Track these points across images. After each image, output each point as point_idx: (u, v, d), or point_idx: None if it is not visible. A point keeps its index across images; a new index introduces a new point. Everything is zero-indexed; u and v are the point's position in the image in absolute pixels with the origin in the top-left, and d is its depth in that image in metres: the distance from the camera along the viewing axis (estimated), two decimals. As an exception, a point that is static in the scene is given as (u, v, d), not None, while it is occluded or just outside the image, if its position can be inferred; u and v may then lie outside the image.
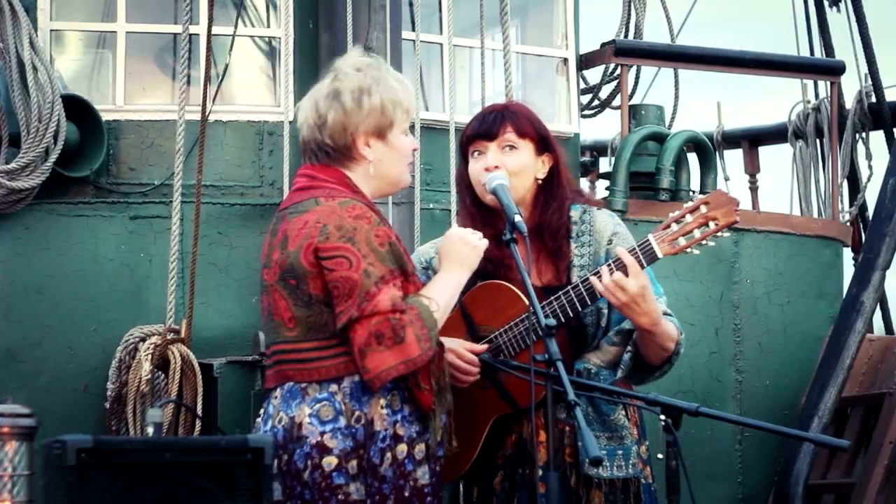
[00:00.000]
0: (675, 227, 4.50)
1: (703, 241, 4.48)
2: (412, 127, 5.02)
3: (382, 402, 4.37)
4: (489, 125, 4.75)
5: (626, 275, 4.47)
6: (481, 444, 4.72)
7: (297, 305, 4.37)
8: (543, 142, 4.78)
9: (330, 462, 4.31)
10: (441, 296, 4.39)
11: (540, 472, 4.58)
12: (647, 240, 4.51)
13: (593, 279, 4.52)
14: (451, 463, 4.64)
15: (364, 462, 4.32)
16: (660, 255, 4.50)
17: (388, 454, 4.36)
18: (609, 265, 4.52)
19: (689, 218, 4.48)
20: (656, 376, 4.76)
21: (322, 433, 4.32)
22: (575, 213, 4.77)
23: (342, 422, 4.33)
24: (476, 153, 4.76)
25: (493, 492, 4.75)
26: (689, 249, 4.49)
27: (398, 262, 4.37)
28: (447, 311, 4.43)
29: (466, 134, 4.80)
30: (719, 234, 4.48)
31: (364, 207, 4.39)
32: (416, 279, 4.46)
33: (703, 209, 4.47)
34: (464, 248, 4.47)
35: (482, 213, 4.74)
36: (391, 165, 4.51)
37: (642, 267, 4.49)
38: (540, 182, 4.76)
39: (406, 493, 4.36)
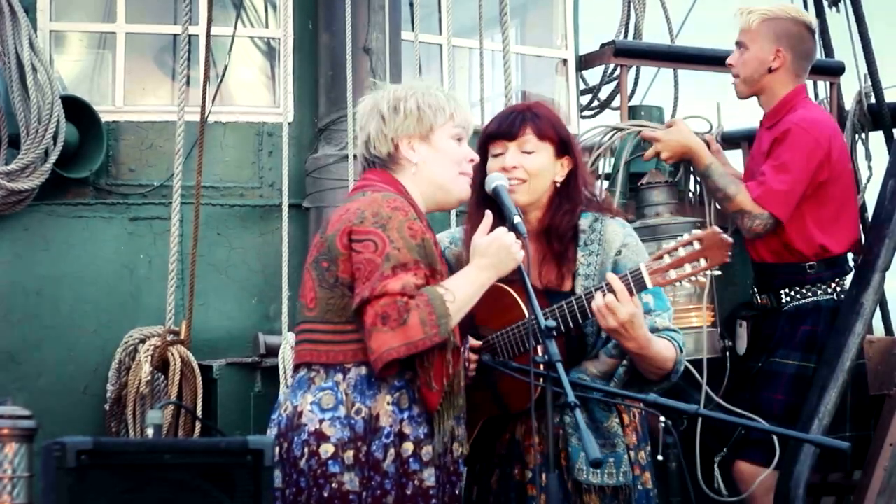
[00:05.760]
0: (667, 258, 4.52)
1: (693, 277, 4.51)
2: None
3: (389, 398, 4.39)
4: (509, 125, 4.75)
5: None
6: (470, 442, 4.72)
7: (321, 287, 4.43)
8: (564, 144, 4.77)
9: (327, 450, 4.35)
10: (461, 290, 4.38)
11: (529, 475, 4.60)
12: (639, 269, 4.53)
13: (594, 295, 4.52)
14: None
15: (362, 455, 4.34)
16: (649, 285, 4.53)
17: (392, 450, 4.37)
18: (601, 288, 4.53)
19: (681, 252, 4.51)
20: (654, 390, 4.75)
21: (321, 420, 4.36)
22: (585, 221, 4.76)
23: (342, 411, 4.36)
24: (495, 154, 4.75)
25: (489, 491, 4.76)
26: (678, 283, 4.52)
27: (427, 258, 4.39)
28: (465, 306, 4.40)
29: (487, 133, 4.79)
30: (709, 272, 4.51)
31: (404, 202, 4.43)
32: (445, 278, 4.46)
33: (696, 245, 4.50)
34: (506, 256, 4.45)
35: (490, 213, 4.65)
36: (437, 168, 4.55)
37: (631, 294, 4.49)
38: (558, 185, 4.76)
39: (409, 492, 4.37)
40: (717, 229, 4.54)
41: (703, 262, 4.50)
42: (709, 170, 6.31)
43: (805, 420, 6.16)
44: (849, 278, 6.33)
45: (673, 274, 4.51)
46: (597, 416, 4.69)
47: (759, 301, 6.37)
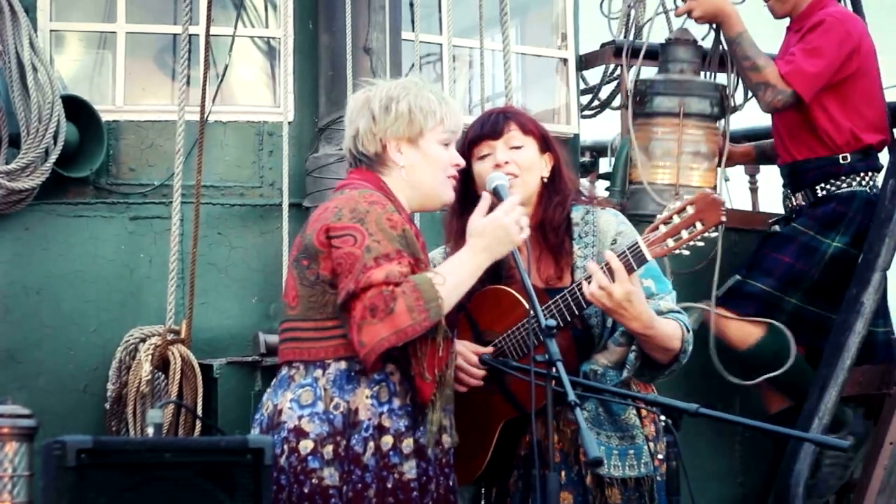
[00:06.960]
0: (662, 228, 4.53)
1: (691, 242, 4.53)
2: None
3: (368, 392, 4.39)
4: (493, 125, 4.76)
5: (613, 280, 4.48)
6: (493, 447, 4.73)
7: (302, 284, 4.43)
8: (544, 141, 4.80)
9: (306, 446, 4.36)
10: (453, 273, 4.34)
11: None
12: (636, 243, 4.54)
13: (583, 284, 4.54)
14: (466, 467, 4.65)
15: (341, 449, 4.34)
16: (649, 257, 4.53)
17: (371, 444, 4.37)
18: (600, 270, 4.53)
19: (676, 219, 4.52)
20: (665, 374, 4.75)
21: (300, 417, 4.37)
22: (577, 214, 4.78)
23: (320, 407, 4.37)
24: (482, 156, 4.75)
25: (507, 492, 4.77)
26: (677, 250, 4.53)
27: (409, 248, 4.37)
28: (457, 289, 4.35)
29: (469, 138, 4.78)
30: (706, 233, 4.52)
31: (381, 196, 4.42)
32: (429, 268, 4.44)
33: (690, 210, 4.51)
34: (504, 237, 4.40)
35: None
36: (424, 173, 4.52)
37: (632, 270, 4.50)
38: (545, 180, 4.79)
39: (389, 485, 4.37)
40: (708, 190, 4.58)
41: (698, 226, 4.52)
42: (740, 37, 6.42)
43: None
44: (880, 176, 6.47)
45: (671, 242, 4.52)
46: (614, 409, 4.70)
47: (794, 203, 6.47)
